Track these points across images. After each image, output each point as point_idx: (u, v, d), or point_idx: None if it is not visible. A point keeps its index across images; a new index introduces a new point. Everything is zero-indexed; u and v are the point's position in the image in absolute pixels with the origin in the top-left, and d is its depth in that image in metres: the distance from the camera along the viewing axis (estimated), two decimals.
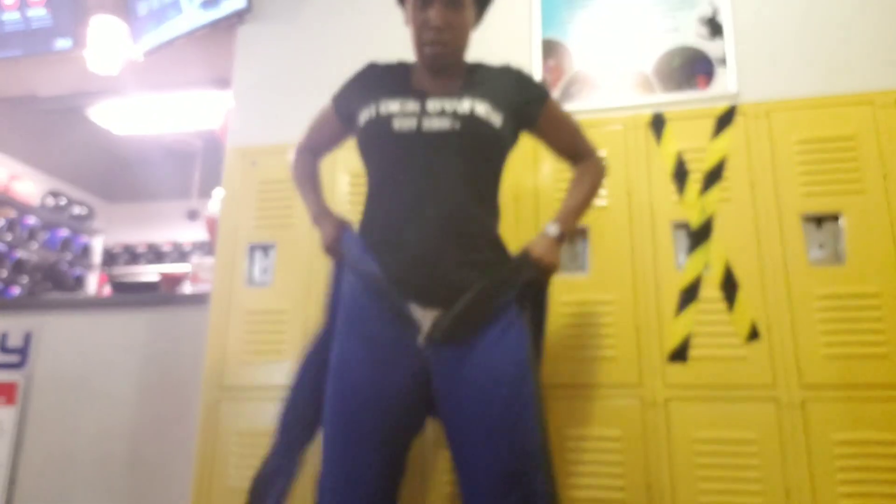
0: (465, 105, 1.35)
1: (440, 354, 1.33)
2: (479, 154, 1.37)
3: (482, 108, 1.35)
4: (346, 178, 2.16)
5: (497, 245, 1.42)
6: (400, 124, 1.34)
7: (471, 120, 1.34)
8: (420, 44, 1.41)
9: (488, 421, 1.27)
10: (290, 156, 1.69)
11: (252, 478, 1.50)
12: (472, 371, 1.30)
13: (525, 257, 1.42)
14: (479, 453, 1.28)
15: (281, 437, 1.48)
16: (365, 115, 1.39)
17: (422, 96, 1.38)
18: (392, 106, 1.36)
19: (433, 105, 1.35)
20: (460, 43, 1.43)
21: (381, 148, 1.38)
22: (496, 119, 1.37)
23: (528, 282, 1.40)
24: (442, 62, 1.42)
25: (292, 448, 1.45)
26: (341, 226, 1.50)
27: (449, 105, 1.35)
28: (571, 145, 1.56)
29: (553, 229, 1.46)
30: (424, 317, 1.33)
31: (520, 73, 1.50)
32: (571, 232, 1.52)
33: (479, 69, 1.49)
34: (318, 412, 1.40)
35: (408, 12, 1.43)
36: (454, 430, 1.34)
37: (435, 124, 1.33)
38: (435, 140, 1.33)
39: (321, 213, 1.57)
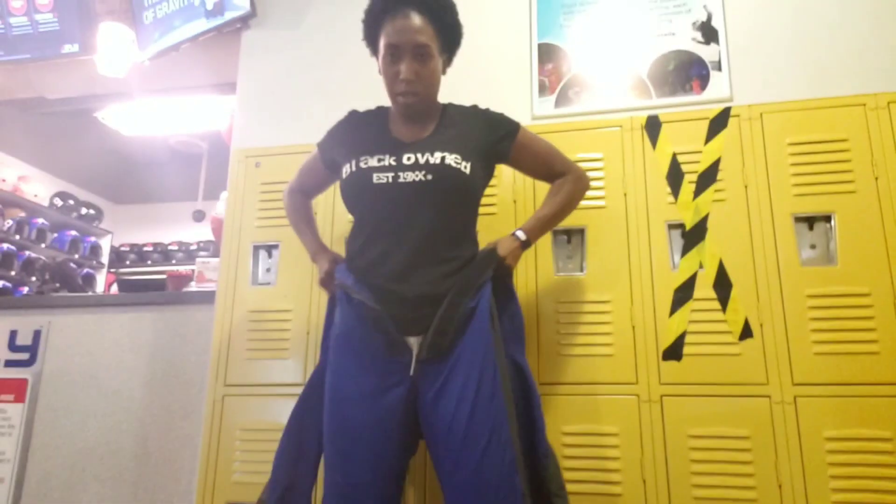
0: (436, 156, 1.45)
1: (425, 375, 1.41)
2: (452, 199, 1.47)
3: (452, 158, 1.45)
4: None
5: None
6: (378, 177, 1.45)
7: (442, 169, 1.44)
8: (393, 94, 1.50)
9: (464, 438, 1.34)
10: (284, 198, 1.80)
11: None
12: (447, 391, 1.38)
13: (491, 254, 1.52)
14: (455, 473, 1.35)
15: (279, 470, 1.55)
16: (347, 169, 1.51)
17: (398, 149, 1.48)
18: (371, 160, 1.47)
19: (408, 157, 1.46)
20: (430, 91, 1.51)
21: (362, 198, 1.49)
22: (466, 166, 1.46)
23: (493, 276, 1.50)
24: (415, 110, 1.52)
25: (290, 481, 1.53)
26: (335, 260, 1.62)
27: (422, 157, 1.45)
28: (547, 168, 1.65)
29: (521, 235, 1.57)
30: (412, 343, 1.42)
31: (486, 114, 1.60)
32: (535, 240, 1.61)
33: (449, 113, 1.58)
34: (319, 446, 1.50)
35: (380, 64, 1.52)
36: (433, 449, 1.42)
37: (409, 176, 1.44)
38: (410, 190, 1.44)
39: (318, 249, 1.70)
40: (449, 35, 1.51)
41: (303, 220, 1.76)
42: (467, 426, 1.34)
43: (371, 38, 1.54)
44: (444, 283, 1.43)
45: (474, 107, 1.61)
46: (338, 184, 1.58)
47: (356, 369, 1.43)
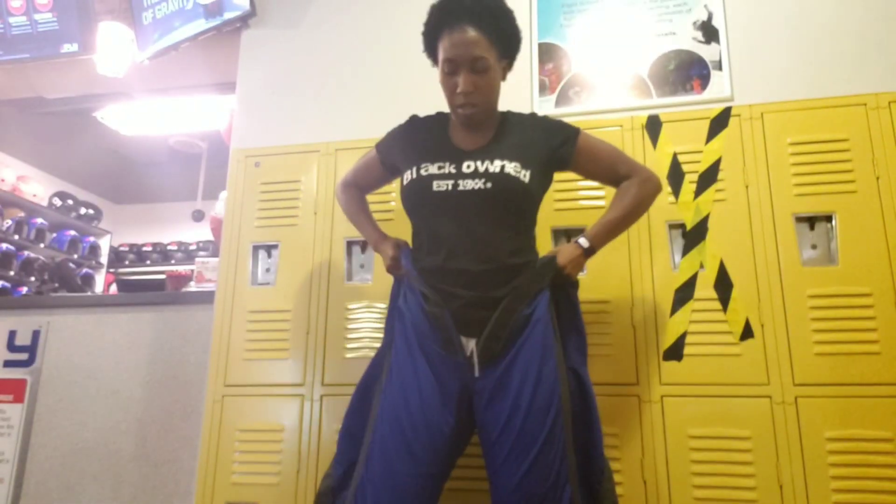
0: (496, 164, 1.46)
1: (481, 376, 1.42)
2: (510, 207, 1.47)
3: (512, 167, 1.46)
4: None
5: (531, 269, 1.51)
6: (438, 185, 1.46)
7: (501, 178, 1.45)
8: (453, 106, 1.51)
9: (515, 444, 1.36)
10: (337, 191, 1.81)
11: (318, 490, 1.58)
12: (501, 395, 1.40)
13: (550, 262, 1.51)
14: (504, 477, 1.37)
15: (343, 449, 1.56)
16: (408, 176, 1.52)
17: (458, 157, 1.50)
18: (431, 168, 1.49)
19: (468, 165, 1.47)
20: (489, 102, 1.51)
21: (423, 205, 1.50)
22: (525, 175, 1.47)
23: (552, 284, 1.50)
24: (474, 121, 1.52)
25: (355, 458, 1.52)
26: (398, 245, 1.63)
27: (482, 165, 1.46)
28: (612, 171, 1.61)
29: (584, 242, 1.55)
30: (468, 344, 1.44)
31: (545, 121, 1.60)
32: (599, 247, 1.58)
33: (509, 120, 1.58)
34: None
35: (439, 76, 1.51)
36: (485, 450, 1.43)
37: (469, 184, 1.45)
38: (469, 198, 1.45)
39: (379, 238, 1.69)
40: (506, 42, 1.50)
41: (361, 211, 1.76)
42: (520, 431, 1.36)
43: (430, 51, 1.54)
44: (502, 289, 1.43)
45: (533, 114, 1.62)
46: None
47: (417, 364, 1.45)
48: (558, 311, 1.51)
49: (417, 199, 1.51)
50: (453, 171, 1.47)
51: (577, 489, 1.39)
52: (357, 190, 1.79)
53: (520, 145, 1.52)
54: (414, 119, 1.66)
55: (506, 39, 1.50)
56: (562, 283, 1.52)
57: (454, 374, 1.43)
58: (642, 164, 1.65)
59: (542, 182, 1.55)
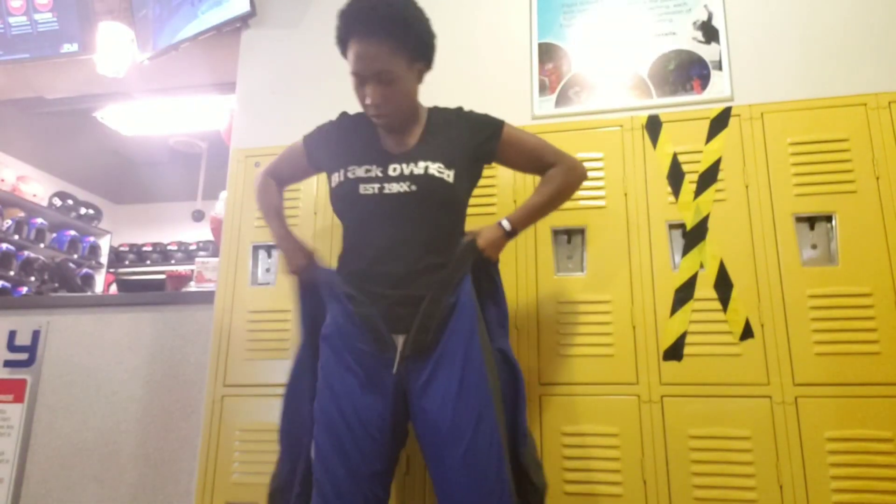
0: (420, 166, 1.47)
1: (411, 371, 1.43)
2: (436, 208, 1.49)
3: (435, 167, 1.47)
4: None
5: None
6: (365, 188, 1.47)
7: (426, 180, 1.46)
8: (368, 115, 1.52)
9: (447, 434, 1.37)
10: (257, 181, 1.78)
11: (268, 491, 1.59)
12: (432, 386, 1.41)
13: (470, 246, 1.53)
14: (443, 466, 1.38)
15: (285, 449, 1.59)
16: (335, 179, 1.53)
17: (384, 160, 1.50)
18: (359, 171, 1.50)
19: (393, 168, 1.48)
20: (402, 108, 1.49)
21: (350, 208, 1.52)
22: (449, 175, 1.48)
23: (473, 266, 1.52)
24: (392, 128, 1.53)
25: (298, 456, 1.55)
26: (311, 254, 1.65)
27: (406, 168, 1.48)
28: (538, 161, 1.64)
29: (506, 224, 1.58)
30: (398, 340, 1.44)
31: (470, 116, 1.60)
32: (521, 230, 1.61)
33: (434, 119, 1.58)
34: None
35: (354, 89, 1.50)
36: (421, 442, 1.44)
37: (394, 188, 1.46)
38: (394, 202, 1.46)
39: (286, 237, 1.69)
40: (414, 47, 1.44)
41: (272, 207, 1.74)
42: (452, 418, 1.37)
43: (346, 58, 1.53)
44: (427, 285, 1.45)
45: (458, 109, 1.61)
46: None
47: (346, 366, 1.45)
48: (479, 289, 1.52)
49: (345, 203, 1.52)
50: (380, 174, 1.48)
51: (507, 457, 1.41)
52: (276, 183, 1.76)
53: (444, 144, 1.52)
54: (343, 117, 1.64)
55: (413, 44, 1.44)
56: (482, 266, 1.54)
57: (386, 370, 1.43)
58: (569, 154, 1.65)
59: (469, 179, 1.56)
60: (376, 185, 1.47)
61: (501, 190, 2.05)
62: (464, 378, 1.39)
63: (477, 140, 1.56)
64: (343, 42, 1.47)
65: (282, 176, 1.77)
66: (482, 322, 1.50)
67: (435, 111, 1.60)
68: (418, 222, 1.47)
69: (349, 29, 1.44)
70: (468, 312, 1.46)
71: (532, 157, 1.63)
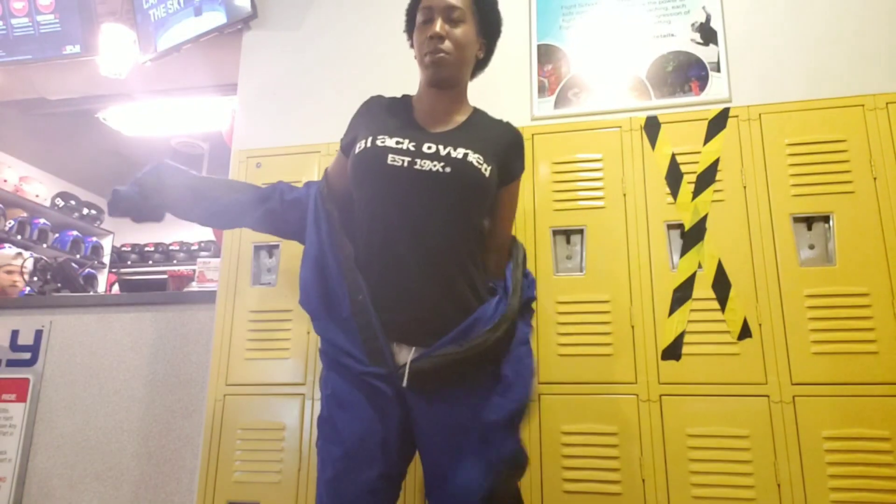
0: (459, 151, 1.37)
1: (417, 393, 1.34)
2: (467, 196, 1.38)
3: (475, 157, 1.38)
4: None
5: (474, 284, 1.40)
6: (393, 159, 1.36)
7: (463, 164, 1.36)
8: (422, 56, 1.44)
9: (461, 457, 1.31)
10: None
11: None
12: (449, 415, 1.33)
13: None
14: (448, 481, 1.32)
15: None
16: (360, 145, 1.41)
17: (420, 136, 1.40)
18: (389, 141, 1.38)
19: (428, 146, 1.38)
20: (461, 56, 1.44)
21: (373, 179, 1.39)
22: (486, 169, 1.39)
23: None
24: (442, 74, 1.43)
25: None
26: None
27: (443, 148, 1.37)
28: (504, 224, 1.56)
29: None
30: (400, 352, 1.35)
31: (517, 139, 1.52)
32: None
33: (480, 117, 1.52)
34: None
35: (414, 37, 1.49)
36: (427, 461, 1.38)
37: (427, 165, 1.35)
38: (426, 179, 1.35)
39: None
40: (486, 17, 1.47)
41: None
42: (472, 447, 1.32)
43: (410, 23, 1.51)
44: (447, 297, 1.34)
45: (508, 123, 1.54)
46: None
47: (351, 383, 1.38)
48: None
49: (367, 169, 1.38)
50: (412, 148, 1.37)
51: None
52: (329, 185, 1.55)
53: (485, 140, 1.44)
54: (374, 98, 1.55)
55: (486, 13, 1.48)
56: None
57: (389, 387, 1.34)
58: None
59: (496, 185, 1.45)
60: (406, 159, 1.35)
61: None
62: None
63: (510, 157, 1.48)
64: (415, 4, 1.47)
65: (331, 180, 1.56)
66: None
67: (481, 111, 1.54)
68: (448, 208, 1.36)
69: None
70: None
71: (506, 216, 1.55)
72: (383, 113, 1.49)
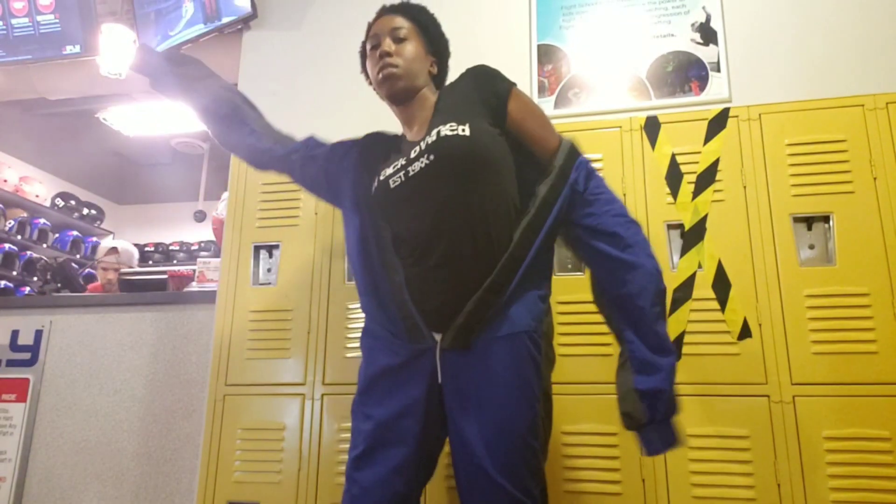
0: (432, 135, 1.37)
1: (447, 361, 1.32)
2: (465, 170, 1.33)
3: (446, 128, 1.35)
4: None
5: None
6: (394, 181, 1.40)
7: (440, 143, 1.34)
8: (376, 81, 1.49)
9: (485, 427, 1.28)
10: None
11: None
12: (473, 378, 1.30)
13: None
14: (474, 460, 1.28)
15: None
16: (374, 186, 1.44)
17: (406, 148, 1.43)
18: (388, 170, 1.43)
19: (414, 151, 1.39)
20: (411, 69, 1.46)
21: (385, 205, 1.42)
22: (464, 129, 1.34)
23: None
24: (396, 87, 1.45)
25: None
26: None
27: (423, 143, 1.38)
28: (546, 136, 1.44)
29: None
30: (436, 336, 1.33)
31: (477, 72, 1.47)
32: None
33: (444, 92, 1.50)
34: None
35: (367, 67, 1.53)
36: (454, 434, 1.34)
37: (416, 166, 1.36)
38: (420, 178, 1.35)
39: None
40: (430, 35, 1.52)
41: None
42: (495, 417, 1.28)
43: (364, 61, 1.57)
44: (481, 287, 1.30)
45: (465, 70, 1.49)
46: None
47: (386, 359, 1.38)
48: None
49: (381, 202, 1.42)
50: (403, 162, 1.40)
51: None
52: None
53: (452, 105, 1.42)
54: (360, 140, 1.58)
55: (429, 30, 1.52)
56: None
57: (424, 364, 1.33)
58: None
59: (489, 130, 1.37)
60: (401, 174, 1.39)
61: None
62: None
63: (483, 91, 1.42)
64: (366, 40, 1.53)
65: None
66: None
67: (446, 87, 1.52)
68: (448, 192, 1.32)
69: (373, 22, 1.53)
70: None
71: (536, 134, 1.43)
72: (377, 148, 1.54)
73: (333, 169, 1.57)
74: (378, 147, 1.55)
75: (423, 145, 1.38)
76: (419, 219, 1.35)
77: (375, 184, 1.45)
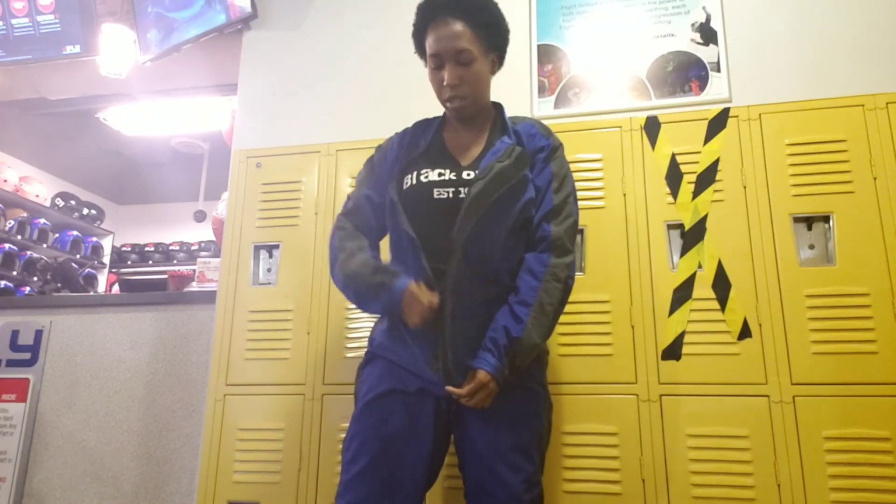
0: (487, 167, 1.43)
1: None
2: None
3: (500, 165, 1.43)
4: (346, 180, 2.21)
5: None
6: (439, 192, 1.43)
7: (495, 177, 1.41)
8: (442, 101, 1.53)
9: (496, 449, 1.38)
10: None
11: None
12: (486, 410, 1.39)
13: None
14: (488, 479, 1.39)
15: None
16: (407, 182, 1.48)
17: (457, 164, 1.49)
18: (432, 175, 1.46)
19: (467, 173, 1.45)
20: (478, 92, 1.51)
21: (421, 213, 1.44)
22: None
23: None
24: (465, 114, 1.53)
25: None
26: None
27: (477, 170, 1.44)
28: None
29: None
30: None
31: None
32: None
33: (503, 122, 1.57)
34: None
35: (429, 77, 1.54)
36: (467, 457, 1.43)
37: (466, 190, 1.41)
38: (467, 204, 1.39)
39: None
40: (492, 34, 1.51)
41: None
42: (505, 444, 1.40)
43: (420, 51, 1.56)
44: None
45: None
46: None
47: (392, 383, 1.47)
48: None
49: (416, 207, 1.45)
50: (453, 177, 1.45)
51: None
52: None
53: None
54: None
55: (491, 31, 1.51)
56: None
57: (431, 389, 1.43)
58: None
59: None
60: (451, 189, 1.43)
61: None
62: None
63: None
64: (422, 27, 1.51)
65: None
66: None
67: (504, 115, 1.59)
68: (489, 225, 1.41)
69: (428, 16, 1.49)
70: None
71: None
72: (419, 141, 1.56)
73: (385, 173, 1.59)
74: (419, 138, 1.58)
75: (477, 172, 1.44)
76: (456, 237, 1.39)
77: (412, 180, 1.47)
